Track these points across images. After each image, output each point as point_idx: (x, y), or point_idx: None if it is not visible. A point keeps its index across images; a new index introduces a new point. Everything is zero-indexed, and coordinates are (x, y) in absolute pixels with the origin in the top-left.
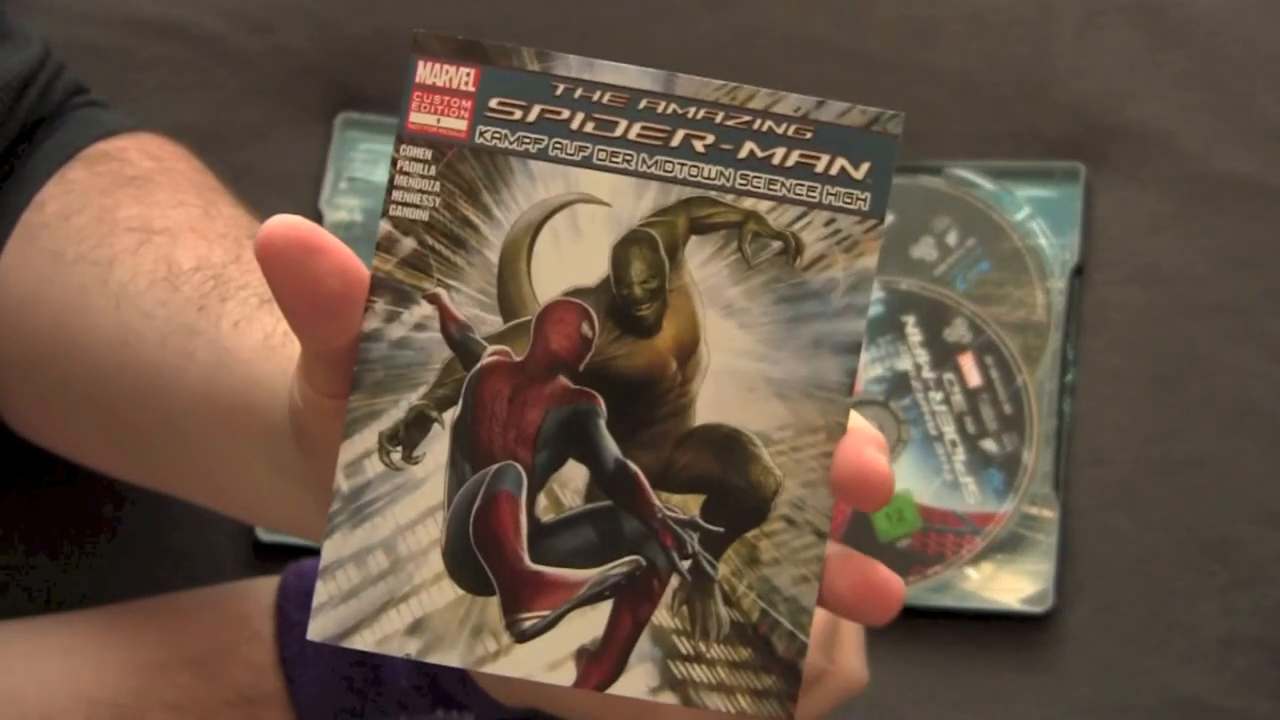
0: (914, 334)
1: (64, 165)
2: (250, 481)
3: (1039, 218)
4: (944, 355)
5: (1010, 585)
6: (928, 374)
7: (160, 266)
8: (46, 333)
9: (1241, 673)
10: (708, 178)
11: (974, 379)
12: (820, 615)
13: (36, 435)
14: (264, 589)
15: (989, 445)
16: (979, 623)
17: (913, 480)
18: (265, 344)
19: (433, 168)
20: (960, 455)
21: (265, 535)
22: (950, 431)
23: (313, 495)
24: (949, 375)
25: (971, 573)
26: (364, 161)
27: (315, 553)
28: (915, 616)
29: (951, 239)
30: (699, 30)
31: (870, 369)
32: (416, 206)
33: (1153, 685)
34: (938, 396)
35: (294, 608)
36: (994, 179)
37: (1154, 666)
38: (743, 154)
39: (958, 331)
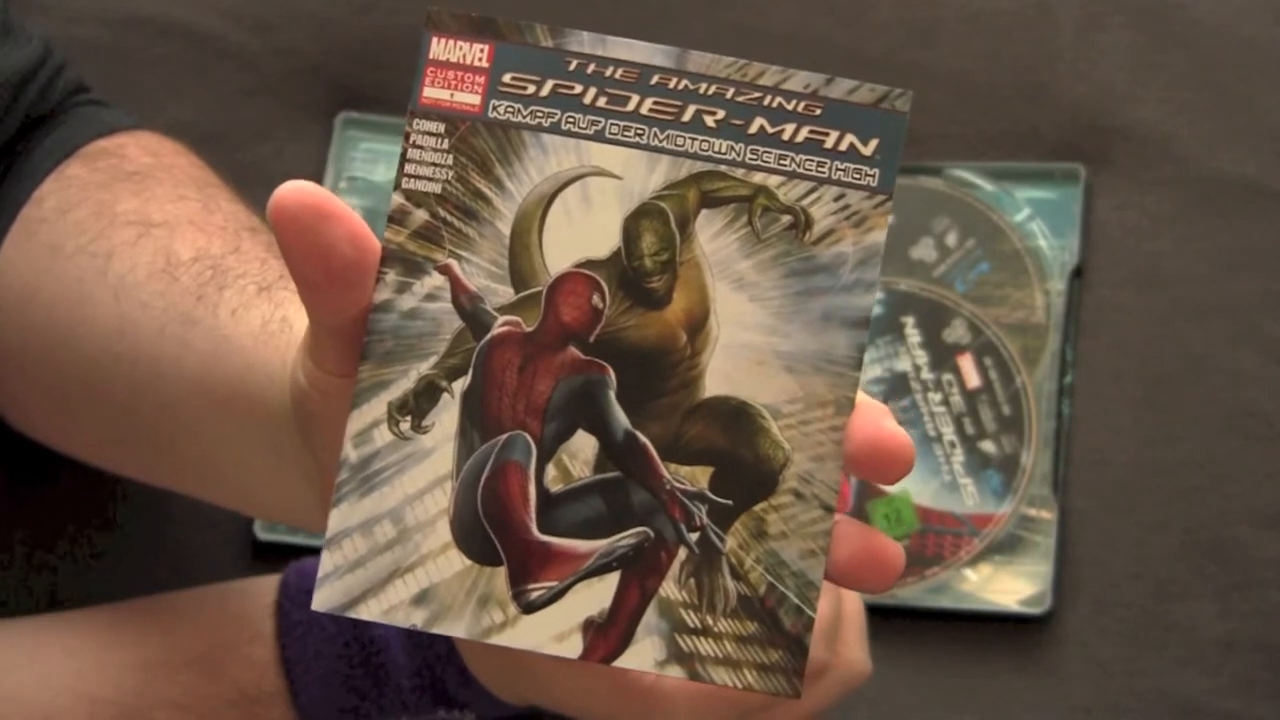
0: (913, 335)
1: (63, 162)
2: (247, 469)
3: (1039, 219)
4: (943, 356)
5: (1008, 587)
6: (927, 375)
7: (159, 258)
8: (44, 325)
9: (1239, 675)
10: (718, 152)
11: (973, 380)
12: (823, 608)
13: (35, 430)
14: (265, 588)
15: (988, 446)
16: (977, 624)
17: (911, 481)
18: (263, 330)
19: (445, 141)
20: (959, 456)
21: (264, 535)
22: (949, 433)
23: (310, 482)
24: (948, 376)
25: (970, 574)
26: (364, 161)
27: (315, 552)
28: (913, 618)
29: (951, 240)
30: (699, 30)
31: (869, 370)
32: (429, 179)
33: (1150, 687)
34: (936, 397)
35: (295, 607)
36: (994, 180)
37: (1152, 668)
38: (753, 129)
39: (957, 332)
